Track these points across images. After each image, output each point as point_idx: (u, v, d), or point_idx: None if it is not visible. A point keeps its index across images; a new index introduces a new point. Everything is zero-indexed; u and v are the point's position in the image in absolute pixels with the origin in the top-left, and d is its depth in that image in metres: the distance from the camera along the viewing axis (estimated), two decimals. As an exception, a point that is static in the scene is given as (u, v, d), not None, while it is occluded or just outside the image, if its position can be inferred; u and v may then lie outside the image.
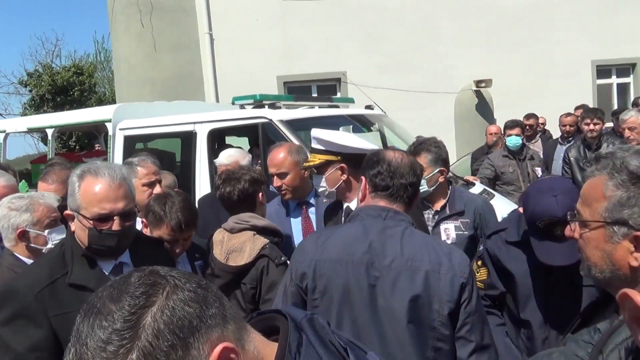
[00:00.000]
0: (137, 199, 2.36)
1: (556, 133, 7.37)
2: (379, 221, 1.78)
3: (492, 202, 3.81)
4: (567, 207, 1.61)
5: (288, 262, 2.45)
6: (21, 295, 1.74)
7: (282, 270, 2.42)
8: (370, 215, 1.81)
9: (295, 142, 4.48)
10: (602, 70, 11.89)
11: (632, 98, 11.49)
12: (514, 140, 5.83)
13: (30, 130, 8.10)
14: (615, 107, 11.27)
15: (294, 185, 2.88)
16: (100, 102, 18.30)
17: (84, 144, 16.10)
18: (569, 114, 6.65)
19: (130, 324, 0.72)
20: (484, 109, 10.18)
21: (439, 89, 10.53)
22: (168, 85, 9.88)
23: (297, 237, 2.91)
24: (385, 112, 6.18)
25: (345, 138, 2.48)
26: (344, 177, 2.41)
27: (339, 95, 10.44)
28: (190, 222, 2.49)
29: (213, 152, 4.75)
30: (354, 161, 2.41)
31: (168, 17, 10.17)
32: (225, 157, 3.61)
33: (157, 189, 3.03)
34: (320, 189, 2.49)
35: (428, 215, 2.96)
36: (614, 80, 12.20)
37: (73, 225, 1.86)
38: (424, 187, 2.75)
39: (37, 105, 18.72)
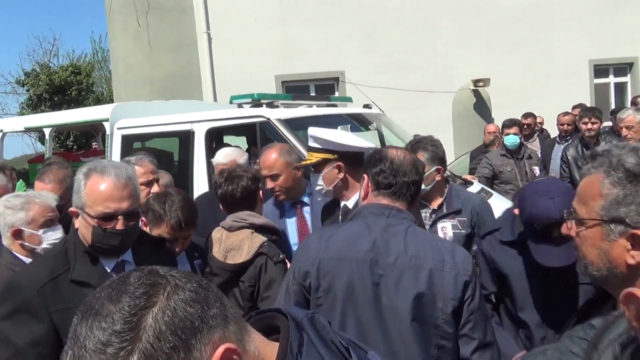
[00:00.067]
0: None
1: (554, 132, 7.37)
2: (382, 219, 1.78)
3: (490, 201, 3.82)
4: (564, 209, 1.61)
5: (286, 260, 2.46)
6: (23, 290, 1.75)
7: (280, 268, 2.42)
8: (373, 213, 1.80)
9: (293, 141, 4.48)
10: (600, 70, 11.91)
11: (629, 97, 11.52)
12: (512, 139, 5.83)
13: (28, 130, 8.08)
14: (613, 106, 11.30)
15: (287, 186, 2.89)
16: (98, 101, 18.26)
17: (82, 143, 16.08)
18: (566, 113, 6.65)
19: (130, 325, 0.70)
20: (482, 108, 10.19)
21: (437, 89, 10.54)
22: (166, 84, 9.87)
23: (293, 237, 2.91)
24: (383, 111, 6.18)
25: (342, 136, 2.48)
26: (341, 175, 2.42)
27: (337, 95, 10.44)
28: (190, 221, 2.49)
29: (211, 152, 4.73)
30: (351, 159, 2.41)
31: (166, 17, 10.16)
32: (223, 156, 3.61)
33: (155, 188, 3.04)
34: (318, 188, 2.49)
35: (425, 213, 2.96)
36: (612, 79, 12.22)
37: (77, 223, 1.86)
38: (421, 185, 2.75)
39: (35, 105, 18.67)
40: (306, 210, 2.96)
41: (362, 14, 10.60)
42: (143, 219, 2.61)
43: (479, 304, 1.73)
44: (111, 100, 13.89)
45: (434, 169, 2.90)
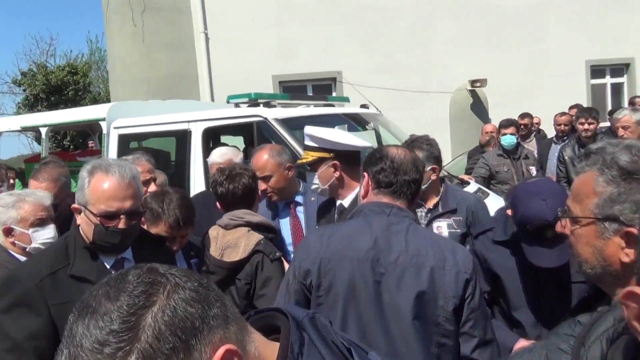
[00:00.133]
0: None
1: (551, 133, 7.40)
2: (383, 217, 1.78)
3: (486, 201, 3.82)
4: (557, 210, 1.62)
5: (283, 258, 2.46)
6: (22, 283, 1.76)
7: (276, 265, 2.43)
8: (374, 212, 1.80)
9: (290, 140, 4.48)
10: (597, 70, 11.94)
11: (625, 98, 11.57)
12: (508, 139, 5.84)
13: (24, 129, 8.04)
14: (610, 106, 11.34)
15: (279, 187, 2.90)
16: (95, 101, 18.19)
17: (78, 143, 16.03)
18: (563, 114, 6.67)
19: (129, 325, 0.68)
20: (479, 108, 10.20)
21: (434, 89, 10.55)
22: (163, 84, 9.85)
23: (287, 237, 2.92)
24: (380, 111, 6.18)
25: (338, 135, 2.48)
26: (337, 174, 2.41)
27: (334, 95, 10.44)
28: (188, 219, 2.49)
29: (208, 151, 4.73)
30: (347, 158, 2.41)
31: (163, 17, 10.14)
32: (219, 156, 3.60)
33: (152, 187, 3.04)
34: (313, 186, 2.50)
35: (420, 213, 2.96)
36: (608, 80, 12.26)
37: (79, 219, 1.87)
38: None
39: (31, 105, 18.61)
40: (299, 210, 2.97)
41: (359, 14, 10.60)
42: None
43: (479, 302, 1.74)
44: (108, 100, 13.83)
45: (429, 168, 2.90)
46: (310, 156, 2.47)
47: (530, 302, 2.10)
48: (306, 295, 1.77)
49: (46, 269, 1.79)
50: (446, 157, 8.08)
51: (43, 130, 6.35)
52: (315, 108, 5.61)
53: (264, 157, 2.90)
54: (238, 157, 3.61)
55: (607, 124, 7.09)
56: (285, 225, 2.96)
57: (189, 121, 5.13)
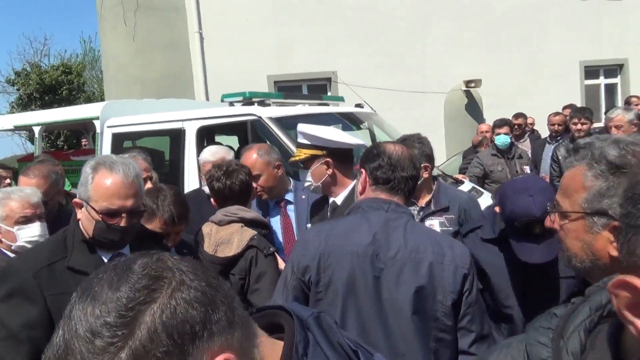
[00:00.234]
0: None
1: (544, 133, 7.42)
2: (381, 213, 1.78)
3: (480, 200, 3.83)
4: (544, 206, 1.63)
5: (276, 253, 2.47)
6: (19, 273, 1.76)
7: (270, 260, 2.44)
8: (372, 208, 1.81)
9: (285, 139, 4.47)
10: (590, 71, 12.01)
11: (619, 98, 11.64)
12: (502, 139, 5.86)
13: (17, 128, 7.99)
14: (603, 107, 11.41)
15: (269, 186, 2.90)
16: (89, 101, 18.11)
17: (72, 143, 15.96)
18: (557, 114, 6.69)
19: (125, 320, 0.65)
20: (474, 109, 10.24)
21: (429, 89, 10.57)
22: (158, 84, 9.82)
23: (277, 236, 2.91)
24: (375, 111, 6.19)
25: (331, 132, 2.48)
26: (330, 171, 2.42)
27: (329, 94, 10.44)
28: (182, 216, 2.49)
29: (202, 150, 4.72)
30: (340, 155, 2.42)
31: (157, 16, 10.11)
32: (211, 154, 3.60)
33: (148, 185, 3.04)
34: (306, 184, 2.50)
35: (413, 211, 2.96)
36: (602, 80, 12.33)
37: (80, 214, 1.87)
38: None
39: (25, 104, 18.50)
40: (290, 208, 2.97)
41: (354, 14, 10.62)
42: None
43: (476, 296, 1.75)
44: (102, 100, 13.81)
45: (421, 166, 2.90)
46: (303, 154, 2.47)
47: (518, 299, 2.11)
48: (304, 291, 1.77)
49: (44, 260, 1.80)
50: (441, 158, 8.11)
51: (36, 129, 6.30)
52: (309, 107, 5.60)
53: (252, 156, 2.90)
54: (230, 156, 3.61)
55: (601, 124, 7.12)
56: (275, 224, 2.96)
57: (183, 120, 5.10)
